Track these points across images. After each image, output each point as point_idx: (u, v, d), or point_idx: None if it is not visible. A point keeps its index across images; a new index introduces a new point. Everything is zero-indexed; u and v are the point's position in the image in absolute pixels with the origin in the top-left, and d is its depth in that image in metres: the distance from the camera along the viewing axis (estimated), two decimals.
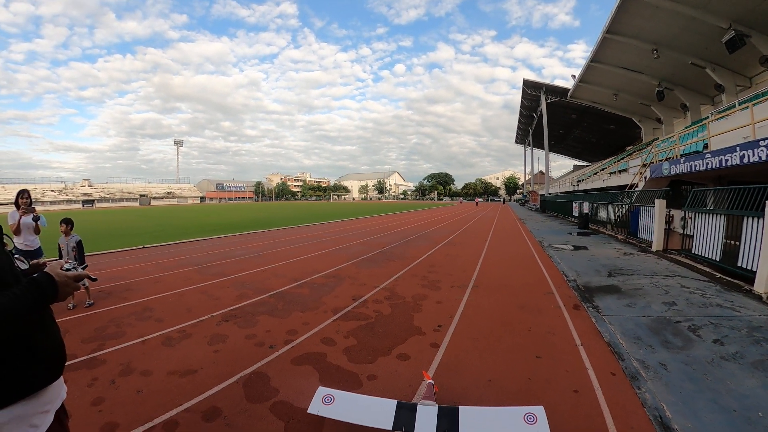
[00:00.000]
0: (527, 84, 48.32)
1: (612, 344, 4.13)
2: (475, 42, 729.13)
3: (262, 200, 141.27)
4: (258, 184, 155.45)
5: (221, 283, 7.25)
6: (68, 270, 1.41)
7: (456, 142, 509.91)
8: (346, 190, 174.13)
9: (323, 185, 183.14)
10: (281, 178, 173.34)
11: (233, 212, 41.14)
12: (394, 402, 2.72)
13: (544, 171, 56.93)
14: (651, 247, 10.76)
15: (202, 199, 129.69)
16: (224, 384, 3.36)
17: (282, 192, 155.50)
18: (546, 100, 45.50)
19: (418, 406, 2.65)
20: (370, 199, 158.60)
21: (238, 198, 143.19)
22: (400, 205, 63.82)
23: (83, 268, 1.28)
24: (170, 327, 4.84)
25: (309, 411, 2.74)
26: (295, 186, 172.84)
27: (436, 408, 2.62)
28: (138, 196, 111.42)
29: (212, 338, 4.44)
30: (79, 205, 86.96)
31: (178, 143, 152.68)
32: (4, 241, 1.29)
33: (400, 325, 4.81)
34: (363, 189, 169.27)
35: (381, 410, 2.66)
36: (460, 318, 5.06)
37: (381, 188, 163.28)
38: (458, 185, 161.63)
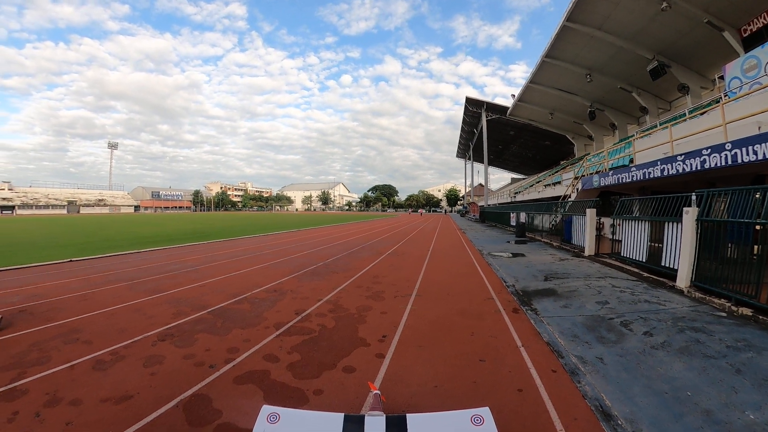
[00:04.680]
0: (470, 101, 51.01)
1: (551, 343, 4.49)
2: (422, 57, 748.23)
3: (201, 210, 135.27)
4: (197, 193, 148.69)
5: (156, 300, 6.91)
6: None
7: (400, 155, 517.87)
8: (290, 200, 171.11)
9: (265, 195, 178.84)
10: (221, 187, 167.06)
11: (170, 223, 38.99)
12: (342, 415, 2.73)
13: (484, 183, 59.71)
14: (584, 252, 11.74)
15: (137, 207, 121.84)
16: (163, 409, 3.25)
17: (222, 202, 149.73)
18: (487, 117, 48.32)
19: (366, 417, 2.68)
20: (314, 210, 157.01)
21: (176, 207, 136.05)
22: (344, 216, 63.74)
23: None
24: (101, 349, 4.55)
25: (254, 431, 2.73)
26: (235, 196, 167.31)
27: (383, 418, 2.66)
28: (66, 203, 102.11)
29: (148, 360, 4.25)
30: None
31: (112, 146, 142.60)
32: None
33: (345, 337, 4.88)
34: (307, 200, 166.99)
35: (328, 425, 2.66)
36: (404, 327, 5.23)
37: (325, 199, 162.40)
38: (402, 197, 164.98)
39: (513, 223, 23.72)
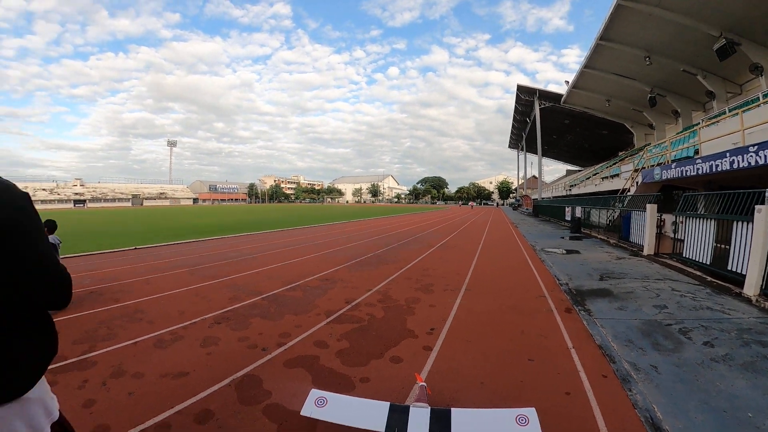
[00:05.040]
0: (521, 89, 48.74)
1: (603, 347, 4.19)
2: (469, 45, 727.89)
3: (256, 202, 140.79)
4: (251, 186, 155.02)
5: (214, 285, 7.22)
6: None
7: (450, 146, 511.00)
8: (340, 192, 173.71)
9: (317, 188, 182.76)
10: (275, 180, 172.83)
11: (226, 214, 40.94)
12: (387, 404, 2.71)
13: (537, 175, 57.44)
14: (642, 251, 10.91)
15: (195, 200, 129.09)
16: (217, 386, 3.35)
17: (275, 194, 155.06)
18: (539, 105, 45.85)
19: (411, 408, 2.65)
20: (364, 202, 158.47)
21: (231, 200, 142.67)
22: (393, 209, 63.91)
23: None
24: (162, 329, 4.82)
25: (302, 413, 2.74)
26: (288, 188, 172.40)
27: (428, 410, 2.61)
28: (130, 197, 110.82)
29: (205, 340, 4.42)
30: (71, 205, 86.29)
31: (171, 144, 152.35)
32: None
33: (393, 328, 4.82)
34: (357, 192, 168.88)
35: (373, 412, 2.65)
36: (452, 321, 5.09)
37: (375, 191, 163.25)
38: (452, 189, 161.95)
39: (568, 217, 22.69)
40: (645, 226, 10.98)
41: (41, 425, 1.19)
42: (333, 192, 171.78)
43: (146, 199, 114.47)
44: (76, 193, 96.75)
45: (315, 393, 2.93)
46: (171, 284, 7.25)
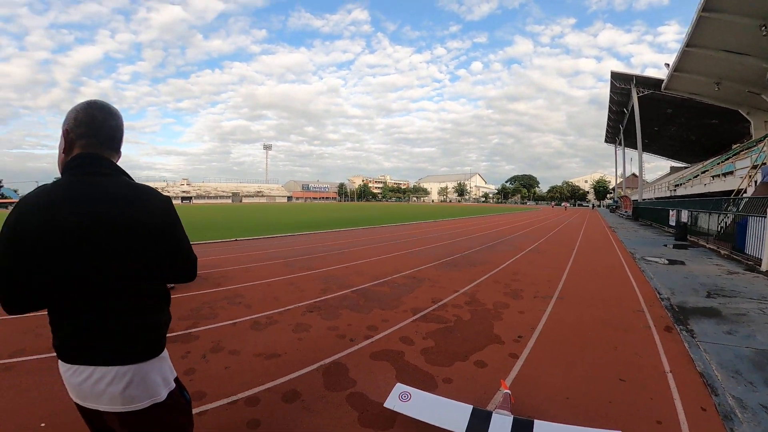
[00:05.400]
0: (615, 76, 43.43)
1: (705, 375, 3.60)
2: (554, 32, 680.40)
3: (345, 200, 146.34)
4: (341, 186, 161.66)
5: (307, 276, 7.60)
6: None
7: (540, 141, 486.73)
8: (426, 192, 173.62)
9: (403, 187, 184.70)
10: (363, 180, 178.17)
11: (318, 211, 43.06)
12: (470, 407, 2.66)
13: (637, 174, 51.43)
14: (761, 266, 9.21)
15: (289, 198, 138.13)
16: (305, 370, 3.49)
17: (363, 193, 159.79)
18: (637, 93, 40.30)
19: (494, 414, 2.58)
20: (450, 201, 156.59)
21: (322, 198, 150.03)
22: (481, 209, 62.13)
23: None
24: (258, 313, 5.17)
25: (385, 405, 2.75)
26: (375, 188, 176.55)
27: (511, 419, 2.53)
28: (231, 194, 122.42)
29: (297, 326, 4.65)
30: (179, 201, 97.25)
31: (267, 147, 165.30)
32: None
33: (479, 331, 4.64)
34: (443, 191, 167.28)
35: (455, 414, 2.63)
36: (541, 330, 4.75)
37: (461, 190, 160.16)
38: (543, 188, 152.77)
39: (672, 222, 20.03)
40: (765, 235, 9.32)
41: (168, 379, 1.42)
42: (419, 191, 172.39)
43: (245, 196, 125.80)
44: (184, 191, 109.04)
45: (400, 387, 2.94)
46: (268, 273, 7.77)
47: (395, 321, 4.91)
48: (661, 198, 40.80)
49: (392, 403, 2.76)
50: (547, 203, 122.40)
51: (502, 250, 12.12)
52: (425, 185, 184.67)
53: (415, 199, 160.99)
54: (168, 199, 1.44)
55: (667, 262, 10.34)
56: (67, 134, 1.36)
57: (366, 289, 6.62)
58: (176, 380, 1.47)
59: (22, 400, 3.16)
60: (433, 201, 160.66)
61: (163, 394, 1.36)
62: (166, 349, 1.45)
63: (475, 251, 11.60)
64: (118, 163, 1.47)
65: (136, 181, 1.42)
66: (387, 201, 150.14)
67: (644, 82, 39.87)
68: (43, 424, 2.80)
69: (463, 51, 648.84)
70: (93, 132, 1.37)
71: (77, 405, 1.37)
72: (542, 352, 4.07)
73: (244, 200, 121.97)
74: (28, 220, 1.22)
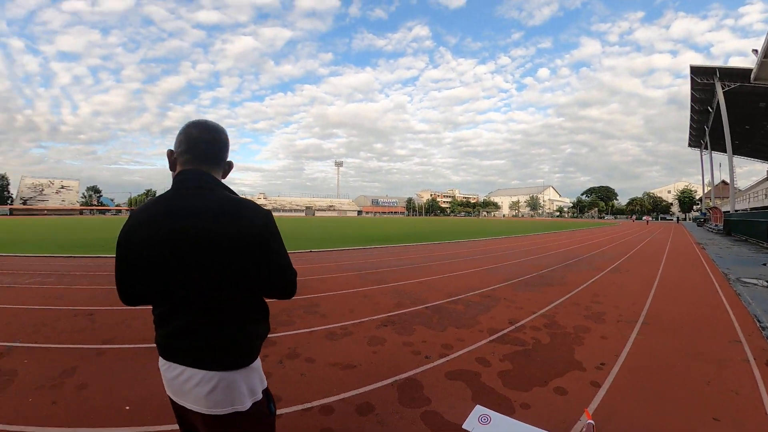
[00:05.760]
0: (695, 71, 39.24)
1: None
2: (622, 29, 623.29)
3: (413, 215, 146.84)
4: (409, 200, 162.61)
5: (380, 289, 7.68)
6: None
7: (616, 149, 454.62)
8: (496, 206, 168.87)
9: (472, 201, 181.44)
10: (431, 195, 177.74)
11: (387, 225, 43.54)
12: None
13: (728, 180, 45.35)
14: None
15: (359, 212, 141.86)
16: (380, 384, 3.50)
17: (432, 208, 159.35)
18: (722, 87, 36.03)
19: None
20: (522, 216, 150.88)
21: (391, 212, 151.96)
22: (555, 224, 58.76)
23: None
24: (334, 323, 5.30)
25: (464, 427, 2.64)
26: (444, 202, 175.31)
27: None
28: (304, 208, 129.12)
29: (371, 339, 4.69)
30: None
31: (338, 164, 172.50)
32: None
33: (559, 356, 4.35)
34: (514, 205, 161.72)
35: None
36: (626, 358, 4.35)
37: (534, 204, 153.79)
38: (622, 201, 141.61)
39: None
40: None
41: (256, 390, 1.44)
42: (489, 205, 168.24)
43: (317, 210, 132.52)
44: (261, 204, 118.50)
45: (480, 409, 2.82)
46: (342, 285, 7.95)
47: (471, 341, 4.77)
48: (758, 208, 35.66)
49: (471, 425, 2.62)
50: (627, 217, 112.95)
51: (580, 269, 11.39)
52: (495, 199, 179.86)
53: (485, 213, 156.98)
54: (268, 213, 1.45)
55: (767, 284, 9.09)
56: (170, 155, 1.49)
57: (440, 305, 6.53)
58: (265, 391, 1.49)
59: (110, 383, 3.53)
60: (504, 216, 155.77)
61: (246, 404, 1.38)
62: (258, 360, 1.48)
63: (551, 270, 11.01)
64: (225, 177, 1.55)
65: (238, 196, 1.46)
66: (456, 216, 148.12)
67: (729, 74, 35.72)
68: (127, 407, 3.09)
69: (528, 58, 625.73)
70: (189, 148, 1.44)
71: (170, 398, 1.47)
72: (627, 383, 3.73)
73: (317, 214, 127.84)
74: (135, 233, 1.37)
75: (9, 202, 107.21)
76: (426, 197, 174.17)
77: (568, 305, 6.82)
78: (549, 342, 4.85)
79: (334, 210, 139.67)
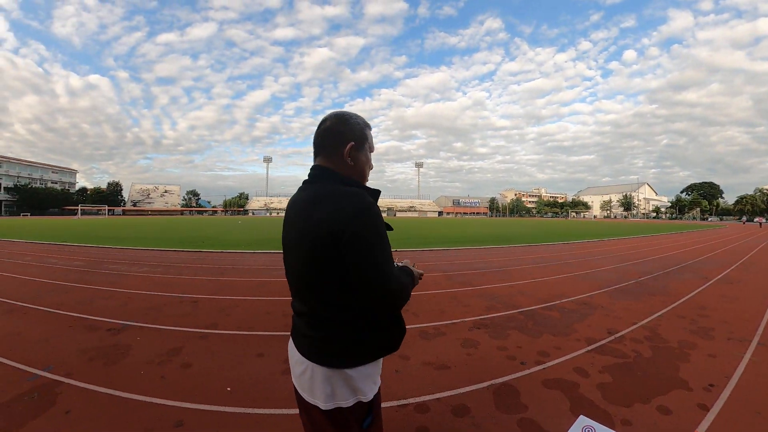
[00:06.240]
0: None
1: None
2: None
3: (496, 216, 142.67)
4: (492, 200, 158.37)
5: (469, 291, 7.70)
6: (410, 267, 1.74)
7: (720, 137, 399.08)
8: (586, 206, 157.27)
9: (560, 201, 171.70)
10: (515, 194, 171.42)
11: (470, 227, 42.81)
12: None
13: None
14: None
15: (440, 213, 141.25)
16: (475, 386, 3.55)
17: (516, 208, 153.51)
18: None
19: None
20: (614, 217, 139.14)
21: (473, 213, 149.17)
22: (652, 226, 53.04)
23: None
24: (426, 323, 5.45)
25: None
26: (529, 202, 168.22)
27: None
28: (386, 209, 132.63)
29: (464, 341, 4.76)
30: None
31: (418, 165, 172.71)
32: None
33: (662, 373, 4.06)
34: (605, 205, 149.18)
35: None
36: (739, 380, 3.91)
37: (627, 204, 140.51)
38: (729, 199, 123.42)
39: None
40: None
41: (343, 396, 1.41)
42: (578, 205, 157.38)
43: (399, 210, 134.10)
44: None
45: (583, 420, 2.76)
46: (430, 285, 8.09)
47: (568, 349, 4.64)
48: None
49: None
50: (737, 219, 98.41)
51: (684, 277, 10.34)
52: (585, 198, 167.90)
53: (574, 214, 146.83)
54: (366, 206, 1.31)
55: None
56: None
57: (533, 311, 6.40)
58: (366, 404, 1.46)
59: (213, 364, 4.00)
60: (595, 216, 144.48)
61: (330, 405, 1.39)
62: (360, 370, 1.42)
63: (651, 278, 10.14)
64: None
65: (349, 187, 1.39)
66: (542, 216, 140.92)
67: None
68: (229, 389, 3.46)
69: (611, 40, 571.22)
70: (314, 142, 1.52)
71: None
72: (739, 408, 3.38)
73: (398, 214, 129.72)
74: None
75: (122, 204, 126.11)
76: (510, 197, 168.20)
77: (672, 317, 6.29)
78: (651, 356, 4.55)
79: (414, 211, 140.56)
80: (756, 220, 72.62)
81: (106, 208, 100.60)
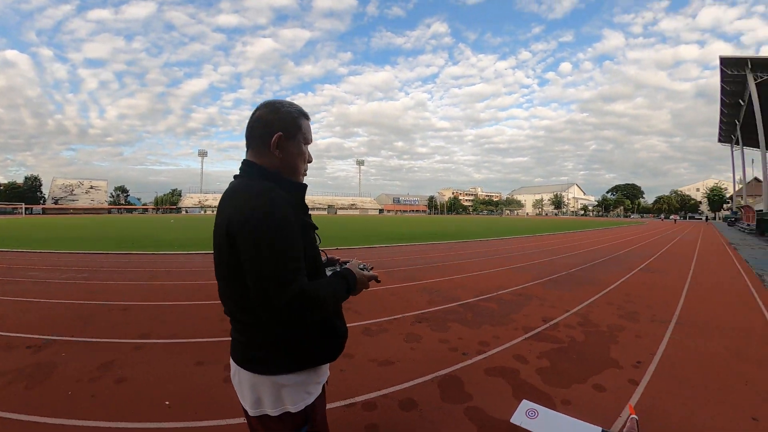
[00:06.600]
0: (726, 62, 37.70)
1: None
2: (646, 20, 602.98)
3: (435, 213, 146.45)
4: (431, 199, 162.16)
5: (410, 287, 7.74)
6: (362, 269, 1.55)
7: (643, 145, 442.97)
8: (519, 204, 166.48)
9: (495, 199, 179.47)
10: (453, 193, 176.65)
11: (410, 224, 43.51)
12: (599, 429, 2.47)
13: (761, 178, 43.37)
14: None
15: (381, 210, 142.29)
16: (420, 380, 3.54)
17: (454, 206, 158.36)
18: (755, 79, 34.66)
19: None
20: (546, 214, 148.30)
21: (413, 211, 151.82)
22: (580, 223, 57.46)
23: (370, 270, 1.54)
24: (368, 320, 5.39)
25: (512, 421, 2.69)
26: (466, 200, 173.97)
27: None
28: (326, 207, 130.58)
29: (407, 336, 4.75)
30: None
31: (359, 163, 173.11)
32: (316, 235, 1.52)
33: (595, 354, 4.34)
34: (538, 203, 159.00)
35: None
36: (661, 356, 4.31)
37: (558, 203, 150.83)
38: (648, 199, 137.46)
39: None
40: None
41: (270, 404, 1.31)
42: (512, 203, 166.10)
43: (339, 208, 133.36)
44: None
45: (526, 404, 2.86)
46: (371, 282, 7.99)
47: (507, 338, 4.79)
48: None
49: (519, 419, 2.68)
50: (655, 216, 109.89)
51: (610, 268, 11.18)
52: (519, 197, 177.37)
53: (508, 212, 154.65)
54: (261, 205, 1.17)
55: None
56: None
57: (473, 303, 6.55)
58: (296, 414, 1.33)
59: (149, 377, 3.65)
60: (527, 214, 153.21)
61: (257, 411, 1.32)
62: (295, 376, 1.32)
63: (581, 269, 10.85)
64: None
65: (261, 183, 1.26)
66: (478, 214, 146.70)
67: (762, 64, 34.48)
68: (167, 402, 3.16)
69: (549, 52, 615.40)
70: (245, 134, 1.40)
71: None
72: (663, 381, 3.71)
73: (339, 212, 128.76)
74: None
75: (41, 201, 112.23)
76: (448, 195, 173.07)
77: (601, 304, 6.75)
78: (584, 340, 4.84)
79: (355, 208, 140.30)
80: (671, 217, 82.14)
81: (23, 206, 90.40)
